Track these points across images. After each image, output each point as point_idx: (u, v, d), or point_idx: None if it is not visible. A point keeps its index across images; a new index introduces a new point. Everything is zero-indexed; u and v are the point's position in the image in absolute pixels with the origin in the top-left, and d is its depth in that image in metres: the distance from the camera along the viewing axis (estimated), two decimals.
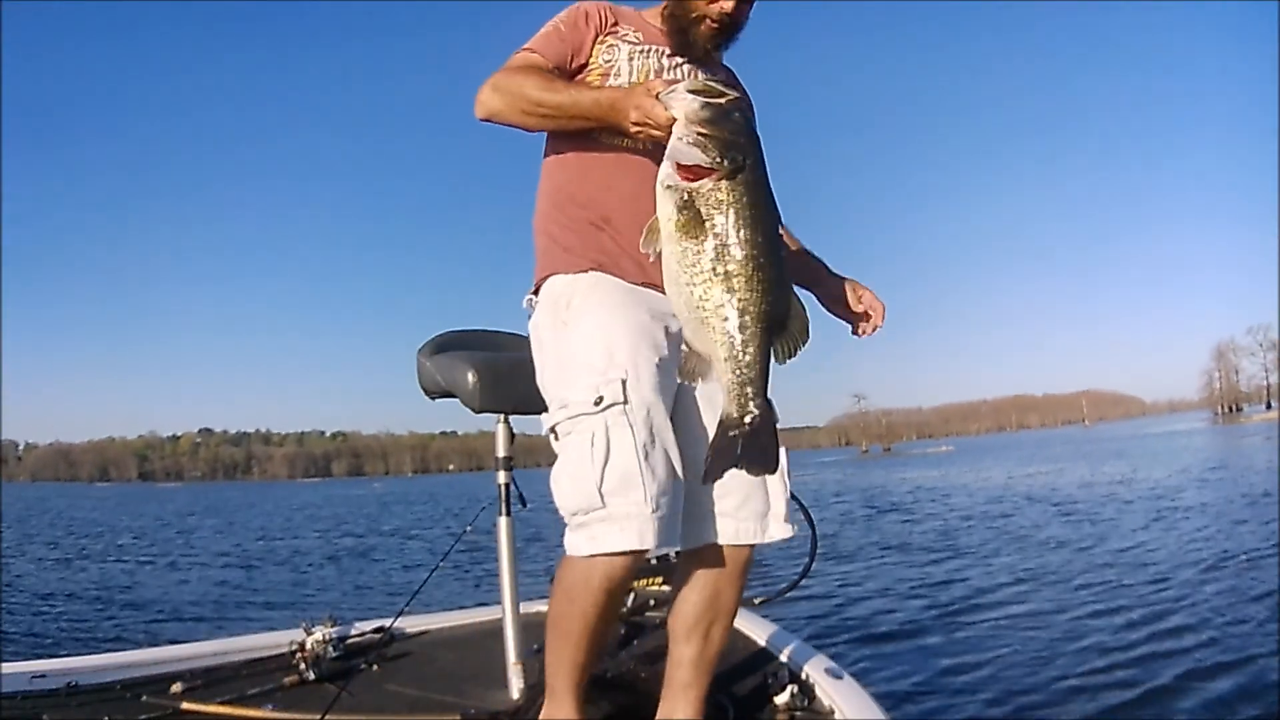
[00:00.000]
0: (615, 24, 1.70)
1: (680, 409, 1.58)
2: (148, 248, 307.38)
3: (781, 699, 1.85)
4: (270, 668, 2.32)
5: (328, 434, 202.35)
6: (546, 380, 1.59)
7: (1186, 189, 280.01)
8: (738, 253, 1.29)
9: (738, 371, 1.31)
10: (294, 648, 2.34)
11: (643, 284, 1.57)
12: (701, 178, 1.29)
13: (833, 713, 1.81)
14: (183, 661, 2.35)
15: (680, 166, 1.31)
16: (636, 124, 1.43)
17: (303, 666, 2.23)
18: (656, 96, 1.39)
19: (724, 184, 1.29)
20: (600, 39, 1.68)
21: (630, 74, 1.66)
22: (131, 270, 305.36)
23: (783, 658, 2.17)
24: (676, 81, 1.43)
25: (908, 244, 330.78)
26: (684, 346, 1.39)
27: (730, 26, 1.67)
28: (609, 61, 1.67)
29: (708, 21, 1.65)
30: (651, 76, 1.64)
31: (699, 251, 1.30)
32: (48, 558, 13.94)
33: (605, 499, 1.41)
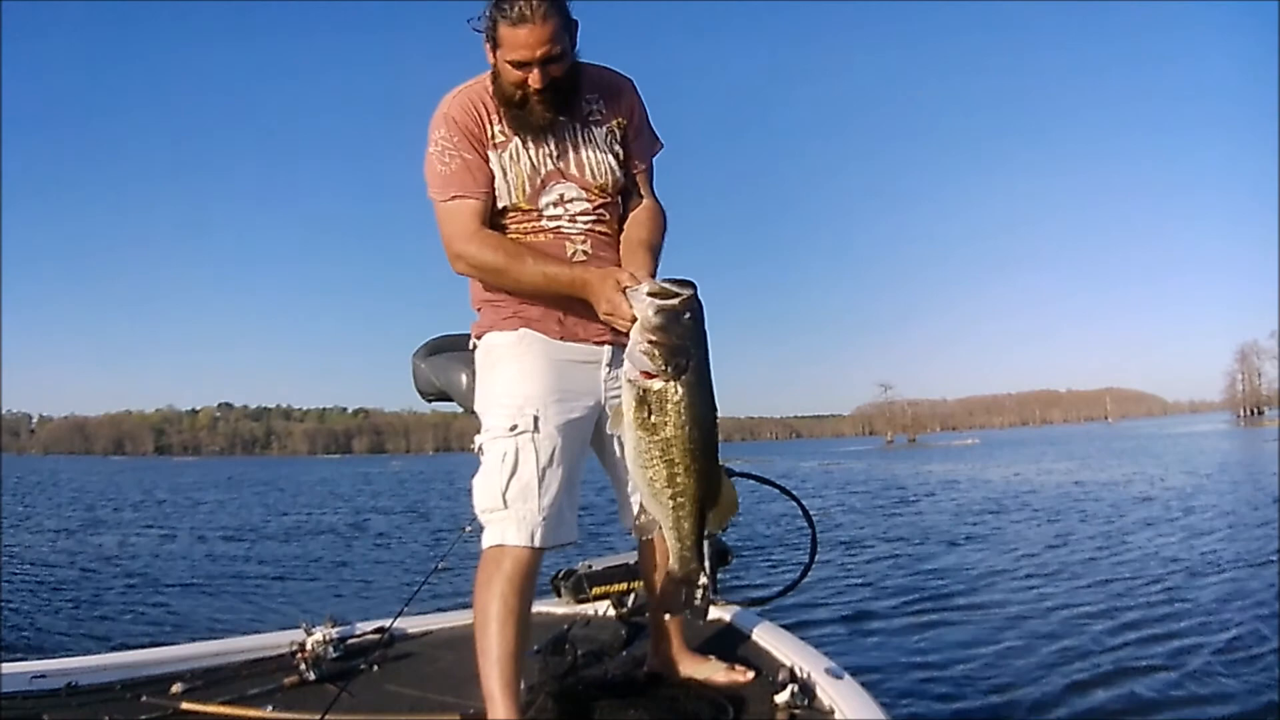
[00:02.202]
0: (485, 128, 1.82)
1: (605, 440, 1.95)
2: (171, 222, 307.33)
3: (781, 699, 1.85)
4: (270, 668, 2.32)
5: (349, 410, 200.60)
6: (479, 409, 1.92)
7: (1217, 189, 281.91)
8: (679, 445, 1.56)
9: (678, 539, 1.63)
10: (294, 648, 2.34)
11: (561, 339, 1.88)
12: (652, 378, 1.54)
13: (833, 713, 1.82)
14: (183, 661, 2.35)
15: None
16: (606, 314, 1.68)
17: (303, 667, 2.23)
18: (624, 290, 1.62)
19: (669, 386, 1.54)
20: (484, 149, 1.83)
21: (509, 192, 1.84)
22: (154, 244, 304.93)
23: (783, 658, 2.17)
24: (632, 277, 1.66)
25: (939, 236, 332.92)
26: (643, 506, 1.67)
27: (555, 88, 1.76)
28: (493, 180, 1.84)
29: (534, 97, 1.76)
30: (525, 182, 1.83)
31: (650, 441, 1.56)
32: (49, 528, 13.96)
33: (507, 502, 1.76)
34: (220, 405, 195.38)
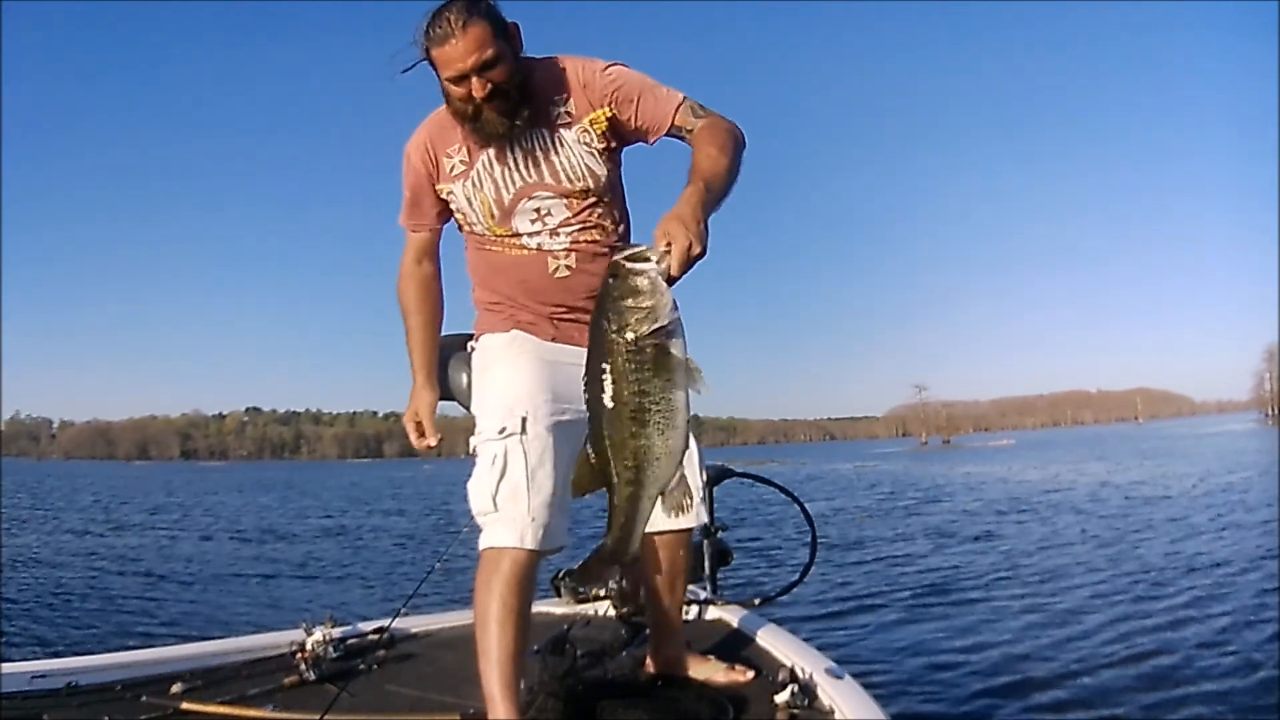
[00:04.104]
0: (438, 162, 1.87)
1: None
2: (198, 224, 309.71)
3: (781, 699, 1.84)
4: (270, 668, 2.32)
5: (380, 414, 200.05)
6: (475, 410, 1.93)
7: (1244, 188, 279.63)
8: None
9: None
10: (294, 648, 2.34)
11: (554, 340, 1.89)
12: None
13: (833, 713, 1.80)
14: (183, 661, 2.35)
15: None
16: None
17: (303, 667, 2.23)
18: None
19: None
20: (437, 184, 1.89)
21: (479, 220, 1.86)
22: (180, 246, 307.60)
23: (783, 658, 2.16)
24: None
25: (967, 236, 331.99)
26: None
27: (503, 94, 1.71)
28: (460, 212, 1.90)
29: (485, 107, 1.71)
30: (493, 207, 1.83)
31: None
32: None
33: (498, 505, 1.75)
34: (248, 409, 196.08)
